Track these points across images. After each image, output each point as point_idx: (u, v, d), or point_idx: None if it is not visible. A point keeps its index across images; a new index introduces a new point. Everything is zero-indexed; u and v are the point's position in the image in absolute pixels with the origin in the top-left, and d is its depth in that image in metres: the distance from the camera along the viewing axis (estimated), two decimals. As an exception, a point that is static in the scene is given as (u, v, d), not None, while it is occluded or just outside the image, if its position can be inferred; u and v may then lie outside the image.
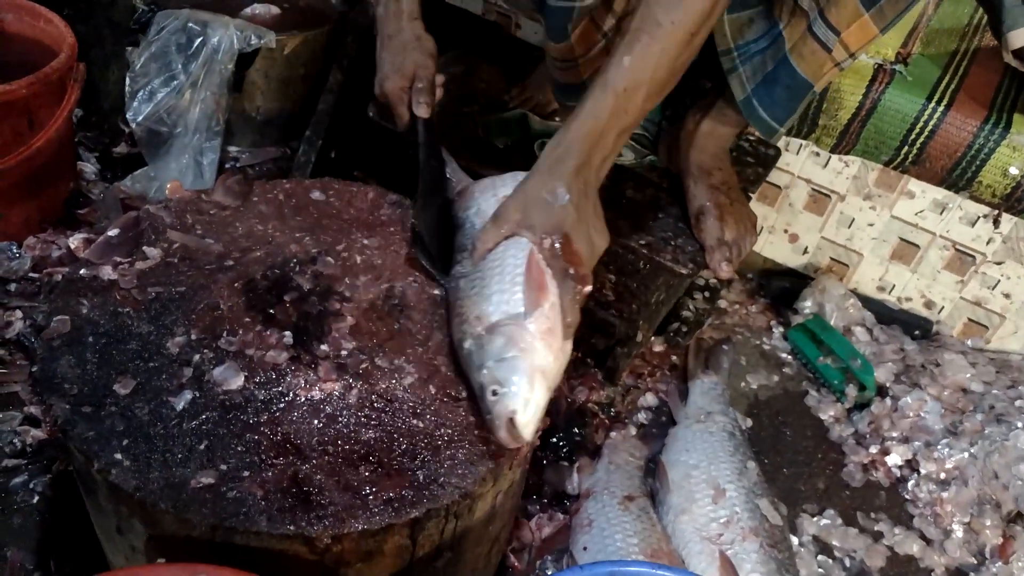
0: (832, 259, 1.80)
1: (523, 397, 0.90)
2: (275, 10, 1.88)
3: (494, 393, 0.91)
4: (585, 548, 1.22)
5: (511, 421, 0.90)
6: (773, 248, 1.84)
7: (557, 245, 1.01)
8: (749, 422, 1.54)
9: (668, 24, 1.02)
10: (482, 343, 0.95)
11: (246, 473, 0.86)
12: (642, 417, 1.51)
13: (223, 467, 0.86)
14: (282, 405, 0.93)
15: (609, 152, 1.06)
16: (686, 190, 1.43)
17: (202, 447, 0.87)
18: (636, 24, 1.04)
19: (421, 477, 0.88)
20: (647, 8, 1.03)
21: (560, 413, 1.46)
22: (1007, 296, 1.67)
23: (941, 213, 1.64)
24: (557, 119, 1.54)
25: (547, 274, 0.99)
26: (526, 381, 0.91)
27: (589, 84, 1.06)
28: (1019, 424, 1.47)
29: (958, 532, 1.40)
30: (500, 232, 1.03)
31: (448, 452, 0.91)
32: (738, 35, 1.26)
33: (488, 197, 1.15)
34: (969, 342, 1.72)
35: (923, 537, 1.40)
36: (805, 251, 1.82)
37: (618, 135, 1.06)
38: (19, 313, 1.44)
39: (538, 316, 0.95)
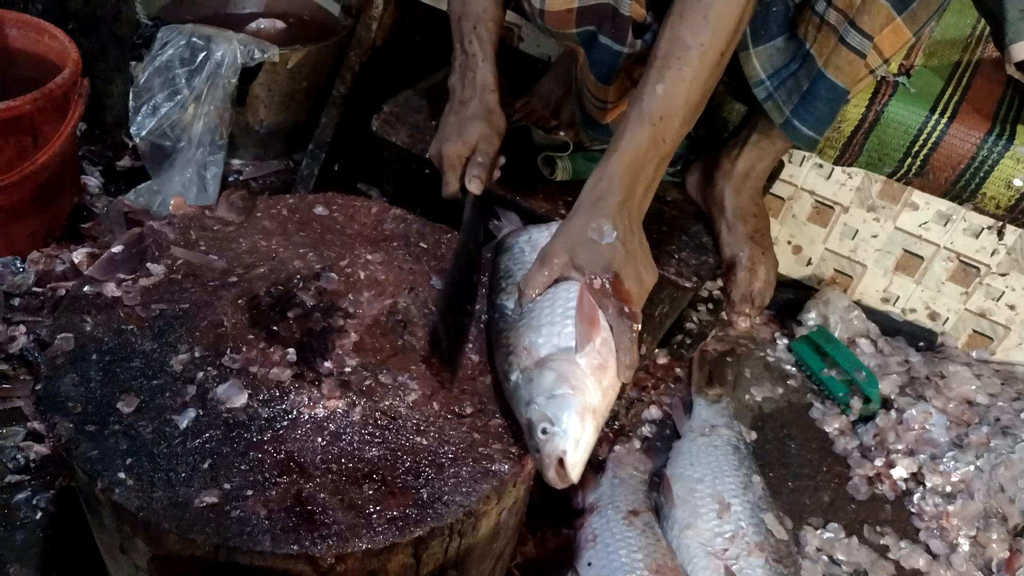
0: (836, 271, 1.80)
1: (573, 437, 0.88)
2: (280, 25, 1.89)
3: (544, 432, 0.89)
4: (590, 564, 1.21)
5: (560, 461, 0.88)
6: (777, 259, 1.83)
7: (608, 285, 0.99)
8: (754, 435, 1.53)
9: (697, 47, 1.01)
10: (531, 376, 0.93)
11: (250, 492, 0.85)
12: (646, 430, 1.51)
13: (227, 486, 0.86)
14: (286, 423, 0.93)
15: (651, 182, 1.05)
16: (718, 234, 1.43)
17: (206, 466, 0.87)
18: (664, 49, 1.03)
19: (425, 495, 0.88)
20: (673, 32, 1.02)
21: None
22: (1012, 307, 1.66)
23: (945, 225, 1.64)
24: (560, 133, 1.54)
25: (598, 310, 0.97)
26: (577, 420, 0.88)
27: (621, 118, 1.05)
28: (1025, 436, 1.47)
29: (964, 546, 1.39)
30: (546, 275, 1.01)
31: (452, 470, 0.91)
32: (768, 65, 1.25)
33: (542, 229, 1.15)
34: (974, 354, 1.71)
35: (929, 551, 1.39)
36: (809, 263, 1.81)
37: (658, 164, 1.05)
38: (23, 328, 1.44)
39: (590, 351, 0.93)
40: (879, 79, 1.49)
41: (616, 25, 1.16)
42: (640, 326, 1.00)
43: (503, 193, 1.40)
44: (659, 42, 1.04)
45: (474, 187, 1.20)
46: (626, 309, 0.98)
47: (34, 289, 1.53)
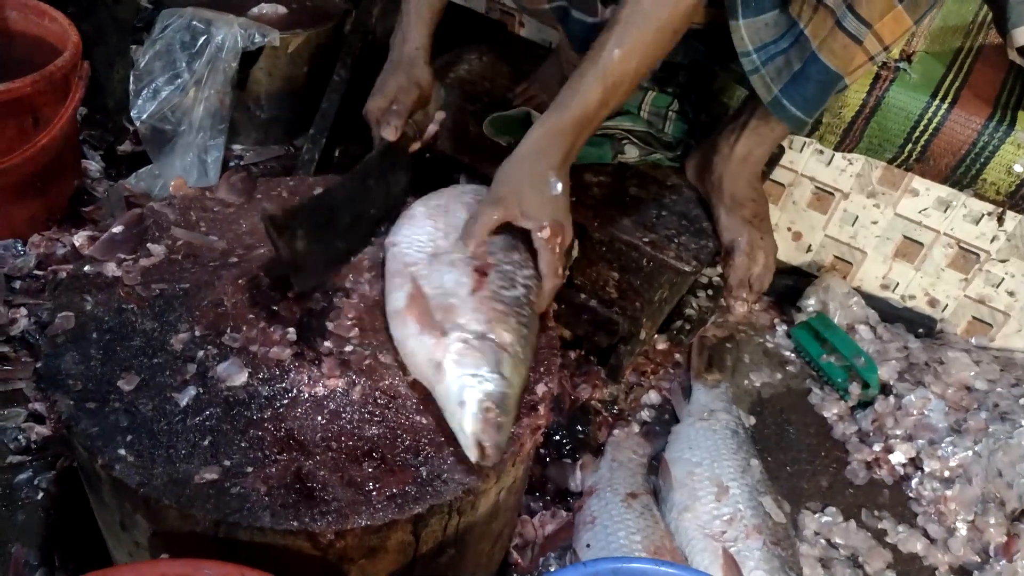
0: (836, 257, 1.80)
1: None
2: (282, 9, 1.89)
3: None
4: (588, 545, 1.22)
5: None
6: (777, 245, 1.84)
7: (558, 236, 1.06)
8: (752, 420, 1.54)
9: (655, 19, 1.07)
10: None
11: (250, 469, 0.86)
12: (645, 415, 1.51)
13: (227, 463, 0.86)
14: (286, 401, 0.93)
15: (591, 135, 1.13)
16: (716, 219, 1.44)
17: (206, 443, 0.88)
18: (625, 15, 1.08)
19: (424, 473, 0.89)
20: (636, 1, 1.07)
21: (563, 411, 1.46)
22: (1011, 294, 1.66)
23: (945, 211, 1.64)
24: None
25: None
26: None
27: (576, 73, 1.09)
28: (1023, 422, 1.47)
29: (962, 530, 1.40)
30: (495, 219, 1.06)
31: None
32: (756, 38, 1.26)
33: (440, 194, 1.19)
34: (973, 340, 1.72)
35: (927, 535, 1.40)
36: (809, 249, 1.81)
37: (601, 121, 1.13)
38: (24, 310, 1.44)
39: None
40: (879, 65, 1.49)
41: (585, 0, 1.18)
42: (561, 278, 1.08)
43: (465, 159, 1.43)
44: (621, 7, 1.08)
45: (387, 133, 1.22)
46: (557, 258, 1.06)
47: (35, 272, 1.53)
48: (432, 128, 1.34)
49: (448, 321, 0.96)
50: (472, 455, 0.88)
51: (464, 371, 0.91)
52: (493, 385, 0.91)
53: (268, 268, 1.07)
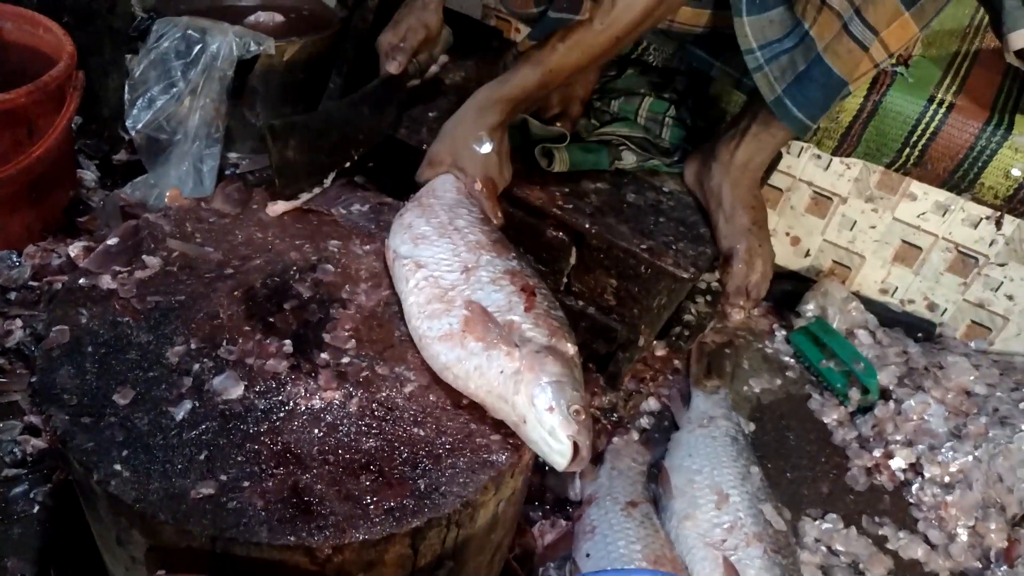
0: (834, 262, 1.79)
1: None
2: (279, 18, 1.88)
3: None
4: (588, 555, 1.21)
5: None
6: (775, 251, 1.83)
7: (490, 189, 1.27)
8: (752, 426, 1.53)
9: (598, 27, 1.22)
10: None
11: (246, 483, 0.85)
12: (644, 422, 1.51)
13: (223, 477, 0.85)
14: (282, 414, 0.92)
15: (528, 107, 1.37)
16: (715, 225, 1.44)
17: (202, 457, 0.87)
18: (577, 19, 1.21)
19: (422, 486, 0.88)
20: (608, 4, 1.20)
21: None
22: (1010, 298, 1.66)
23: (943, 215, 1.64)
24: (557, 124, 1.54)
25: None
26: None
27: (524, 54, 1.29)
28: (1023, 427, 1.46)
29: (963, 536, 1.40)
30: (434, 171, 1.28)
31: (449, 460, 0.91)
32: (760, 35, 1.28)
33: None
34: (972, 344, 1.71)
35: (927, 541, 1.39)
36: (807, 254, 1.81)
37: (535, 102, 1.35)
38: (19, 322, 1.44)
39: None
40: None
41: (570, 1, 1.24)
42: (500, 221, 1.26)
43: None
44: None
45: (391, 67, 1.40)
46: (496, 207, 1.27)
47: (30, 283, 1.52)
48: (434, 69, 1.48)
49: (516, 335, 0.96)
50: (563, 459, 0.89)
51: (548, 377, 0.91)
52: (576, 391, 0.92)
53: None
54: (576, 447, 0.89)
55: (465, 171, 1.26)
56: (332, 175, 1.29)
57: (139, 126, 1.67)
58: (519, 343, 0.95)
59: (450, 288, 1.02)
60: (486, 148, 1.28)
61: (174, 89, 1.66)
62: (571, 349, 0.98)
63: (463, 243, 1.09)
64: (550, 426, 0.89)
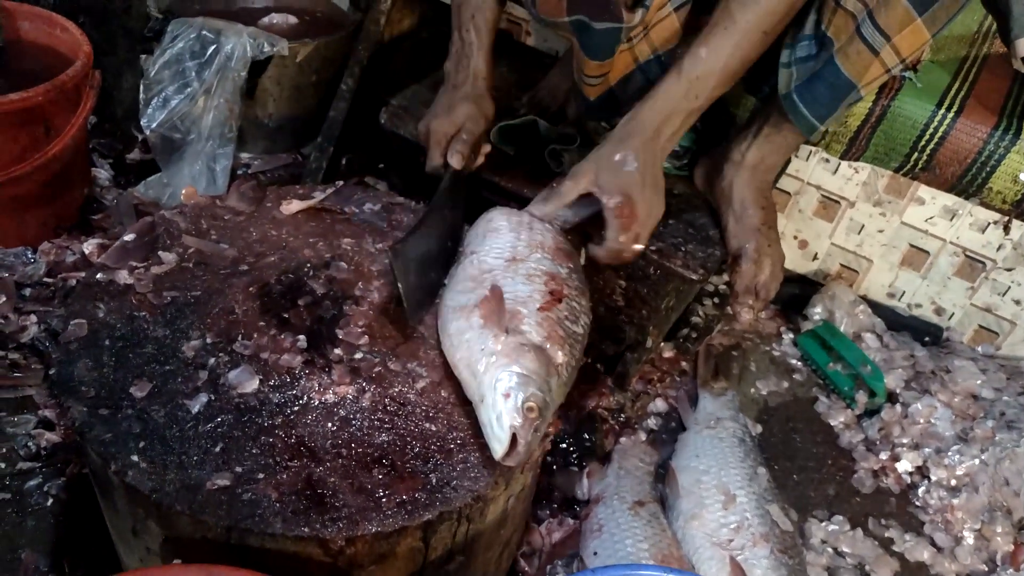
0: (842, 265, 1.80)
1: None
2: (292, 19, 1.90)
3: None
4: (595, 553, 1.22)
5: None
6: (784, 254, 1.84)
7: (624, 209, 1.15)
8: (759, 428, 1.54)
9: (743, 21, 1.13)
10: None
11: (261, 475, 0.87)
12: (652, 423, 1.51)
13: (238, 469, 0.87)
14: (296, 408, 0.94)
15: (677, 130, 1.20)
16: (725, 226, 1.44)
17: (217, 449, 0.88)
18: (715, 18, 1.15)
19: (434, 480, 0.89)
20: (726, 4, 1.14)
21: (570, 418, 1.46)
22: (1018, 302, 1.67)
23: (951, 219, 1.64)
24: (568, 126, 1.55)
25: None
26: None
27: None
28: (1030, 431, 1.47)
29: (969, 539, 1.40)
30: (578, 188, 1.17)
31: (461, 455, 0.92)
32: (791, 33, 1.28)
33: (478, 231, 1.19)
34: (979, 348, 1.72)
35: (934, 544, 1.39)
36: (815, 257, 1.82)
37: (686, 116, 1.19)
38: (34, 318, 1.45)
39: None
40: (886, 74, 1.50)
41: (608, 9, 1.20)
42: (642, 247, 1.18)
43: (508, 185, 1.42)
44: (715, 11, 1.16)
45: (455, 161, 1.28)
46: (623, 229, 1.15)
47: (45, 279, 1.54)
48: (479, 160, 1.37)
49: (512, 324, 0.98)
50: (500, 447, 0.88)
51: (519, 368, 0.92)
52: (541, 392, 0.92)
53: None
54: (514, 441, 0.88)
55: (603, 189, 1.17)
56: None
57: (153, 125, 1.69)
58: (512, 331, 0.96)
59: (488, 271, 1.05)
60: (630, 166, 1.17)
61: (188, 89, 1.68)
62: (561, 358, 0.98)
63: (526, 240, 1.11)
64: (499, 411, 0.90)
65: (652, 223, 1.19)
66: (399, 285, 1.05)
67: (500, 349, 0.94)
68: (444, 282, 1.11)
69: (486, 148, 1.38)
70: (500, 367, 0.92)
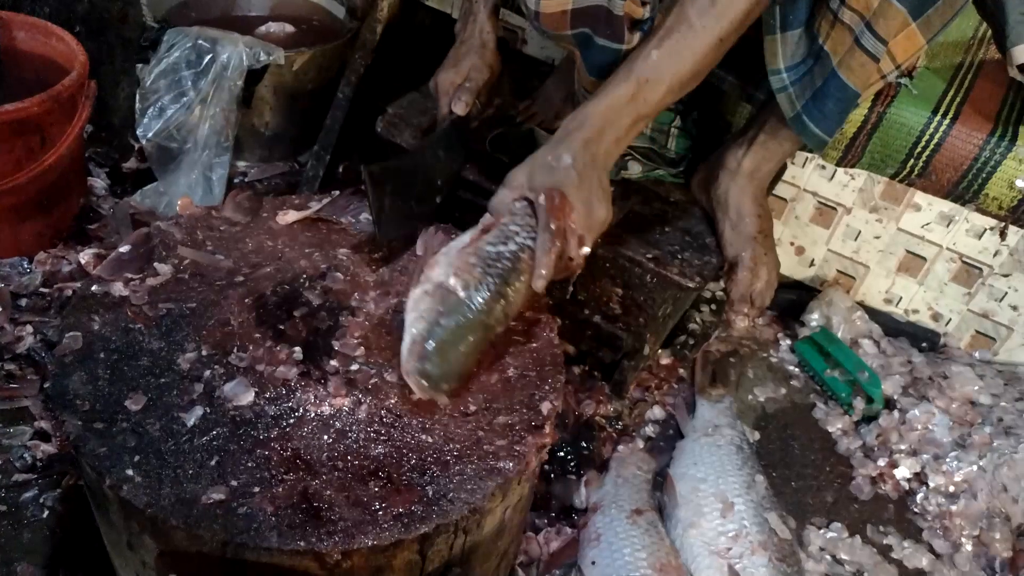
0: (839, 272, 1.80)
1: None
2: (289, 28, 1.91)
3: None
4: (593, 562, 1.22)
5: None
6: (780, 261, 1.84)
7: (554, 200, 1.02)
8: (757, 435, 1.54)
9: (699, 27, 1.06)
10: None
11: (256, 489, 0.86)
12: (649, 430, 1.51)
13: (234, 483, 0.86)
14: (292, 421, 0.93)
15: (622, 135, 1.09)
16: (720, 233, 1.45)
17: (213, 463, 0.88)
18: (669, 22, 1.08)
19: (430, 492, 0.89)
20: (681, 9, 1.08)
21: (567, 427, 1.46)
22: (1014, 308, 1.67)
23: (948, 226, 1.65)
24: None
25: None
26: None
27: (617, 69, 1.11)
28: (1028, 437, 1.47)
29: (967, 546, 1.40)
30: (508, 194, 1.06)
31: (457, 467, 0.92)
32: (788, 56, 1.27)
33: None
34: (977, 354, 1.72)
35: (932, 551, 1.39)
36: (812, 264, 1.82)
37: (633, 121, 1.09)
38: (30, 328, 1.45)
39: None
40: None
41: (612, 26, 1.18)
42: (587, 250, 1.04)
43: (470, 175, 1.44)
44: (668, 15, 1.09)
45: (458, 108, 1.32)
46: (554, 224, 1.01)
47: (41, 290, 1.54)
48: (488, 111, 1.42)
49: (424, 273, 0.99)
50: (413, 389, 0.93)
51: (411, 315, 0.95)
52: (427, 325, 0.94)
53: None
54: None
55: (536, 189, 1.06)
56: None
57: (149, 135, 1.69)
58: (420, 282, 0.98)
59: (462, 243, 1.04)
60: (564, 163, 1.06)
61: (184, 98, 1.68)
62: (457, 284, 0.96)
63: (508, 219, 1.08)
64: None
65: (596, 226, 1.07)
66: (369, 200, 1.10)
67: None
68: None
69: (496, 101, 1.44)
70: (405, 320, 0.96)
